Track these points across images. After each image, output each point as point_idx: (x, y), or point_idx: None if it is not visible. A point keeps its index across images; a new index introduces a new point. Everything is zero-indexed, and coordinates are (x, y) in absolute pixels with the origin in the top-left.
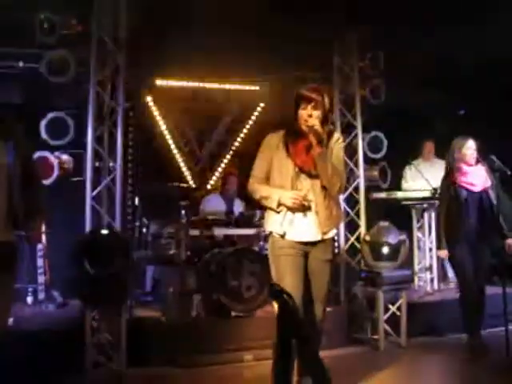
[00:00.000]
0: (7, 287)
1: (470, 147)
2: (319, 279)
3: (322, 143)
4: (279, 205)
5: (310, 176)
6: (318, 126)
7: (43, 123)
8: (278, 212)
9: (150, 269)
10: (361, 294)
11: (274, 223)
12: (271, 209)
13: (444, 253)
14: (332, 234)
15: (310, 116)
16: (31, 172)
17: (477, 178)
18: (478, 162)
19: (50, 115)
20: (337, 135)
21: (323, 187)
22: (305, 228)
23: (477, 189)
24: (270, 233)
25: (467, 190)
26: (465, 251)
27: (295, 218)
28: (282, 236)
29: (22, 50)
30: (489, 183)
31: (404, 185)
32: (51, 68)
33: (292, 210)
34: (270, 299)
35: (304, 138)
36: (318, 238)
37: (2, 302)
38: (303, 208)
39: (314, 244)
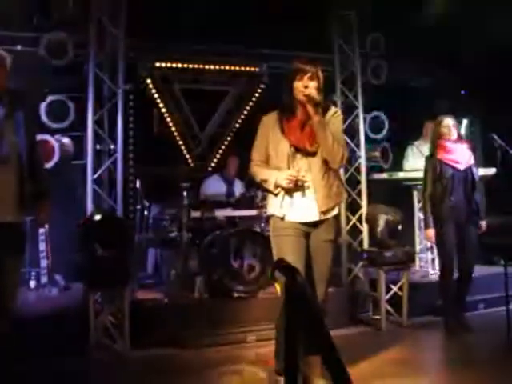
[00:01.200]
0: (18, 269)
1: (446, 125)
2: (321, 259)
3: (319, 112)
4: (276, 187)
5: (307, 154)
6: (315, 94)
7: (43, 106)
8: (276, 194)
9: (151, 251)
10: (363, 275)
11: (273, 206)
12: (270, 191)
13: (431, 232)
14: (334, 213)
15: (307, 87)
16: (36, 152)
17: (461, 155)
18: (460, 139)
19: (50, 98)
20: (334, 109)
21: (323, 162)
22: (304, 208)
23: (461, 167)
24: (272, 215)
25: (452, 167)
26: (451, 231)
27: (294, 199)
28: (282, 218)
29: (19, 34)
30: (472, 161)
31: (405, 165)
32: (50, 51)
33: (289, 191)
34: (273, 278)
35: (298, 114)
36: (318, 218)
37: (12, 283)
38: (299, 188)
39: (315, 224)
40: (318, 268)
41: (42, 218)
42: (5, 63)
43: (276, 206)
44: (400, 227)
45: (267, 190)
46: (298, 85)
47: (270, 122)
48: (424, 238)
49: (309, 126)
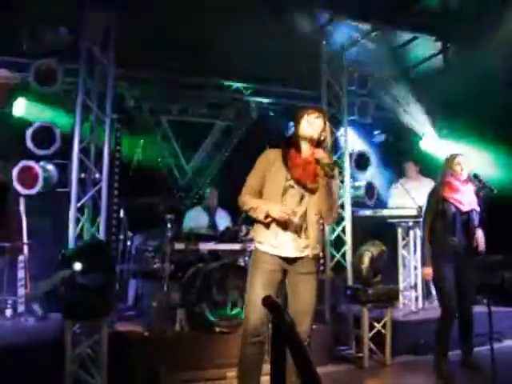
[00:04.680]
0: None
1: (458, 163)
2: (303, 292)
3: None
4: (267, 216)
5: (305, 189)
6: (327, 158)
7: (29, 132)
8: (266, 224)
9: (132, 282)
10: (346, 312)
11: (257, 234)
12: (259, 221)
13: (428, 270)
14: (315, 251)
15: (313, 124)
16: None
17: (466, 196)
18: (469, 180)
19: (37, 124)
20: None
21: (318, 206)
22: (289, 243)
23: (464, 208)
24: (256, 244)
25: (455, 207)
26: (449, 271)
27: (281, 232)
28: (264, 252)
29: (10, 59)
30: (475, 204)
31: (390, 202)
32: (39, 78)
33: (279, 224)
34: None
35: (303, 152)
36: (301, 254)
37: None
38: (289, 224)
39: (294, 260)
40: (301, 302)
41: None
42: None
43: (261, 235)
44: (385, 256)
45: (254, 220)
46: (304, 121)
47: (271, 157)
48: (423, 275)
49: (311, 165)
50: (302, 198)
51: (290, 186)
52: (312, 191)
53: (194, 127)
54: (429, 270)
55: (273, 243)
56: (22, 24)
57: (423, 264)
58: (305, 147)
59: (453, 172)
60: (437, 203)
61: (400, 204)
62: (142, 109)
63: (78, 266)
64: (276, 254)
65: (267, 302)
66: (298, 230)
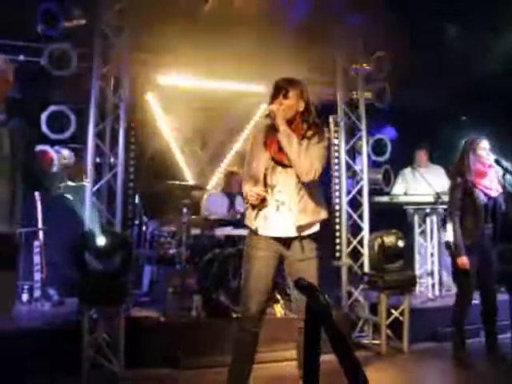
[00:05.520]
0: (12, 282)
1: (484, 147)
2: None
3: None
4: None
5: (284, 166)
6: (274, 108)
7: (44, 116)
8: (253, 207)
9: (147, 268)
10: (363, 298)
11: (248, 218)
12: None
13: (465, 259)
14: (311, 231)
15: (281, 104)
16: (32, 162)
17: (493, 181)
18: (490, 165)
19: (51, 108)
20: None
21: (298, 178)
22: (278, 223)
23: (493, 193)
24: (247, 228)
25: (485, 194)
26: (475, 260)
27: (269, 213)
28: (256, 233)
29: (23, 44)
30: (500, 187)
31: (394, 189)
32: (53, 61)
33: (261, 205)
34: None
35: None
36: (293, 233)
37: (6, 297)
38: (263, 203)
39: (289, 244)
40: None
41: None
42: (6, 76)
43: (249, 218)
44: (402, 245)
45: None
46: (274, 102)
47: (256, 139)
48: (460, 265)
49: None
50: (283, 174)
51: (271, 166)
52: (291, 167)
53: (208, 114)
54: (466, 260)
55: (262, 225)
56: (35, 7)
57: (459, 254)
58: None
59: (478, 157)
60: (464, 193)
61: (406, 190)
62: (158, 93)
63: (101, 241)
64: (268, 235)
65: (299, 283)
66: (286, 208)
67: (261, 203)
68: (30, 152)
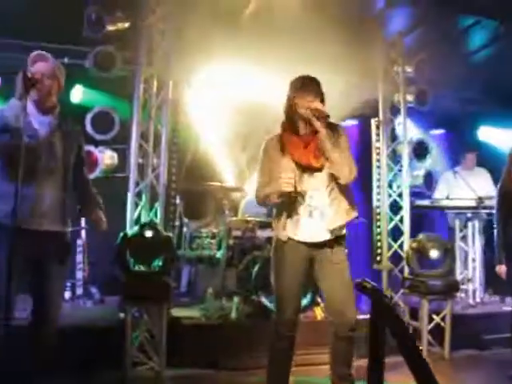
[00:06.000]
0: (62, 278)
1: None
2: (339, 282)
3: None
4: (280, 195)
5: (312, 170)
6: (321, 107)
7: (89, 117)
8: (284, 211)
9: (186, 269)
10: (403, 303)
11: (277, 225)
12: (277, 207)
13: (502, 268)
14: (341, 233)
15: (312, 101)
16: (83, 165)
17: None
18: None
19: (96, 109)
20: (342, 127)
21: (330, 178)
22: (311, 228)
23: None
24: (276, 232)
25: None
26: None
27: (301, 219)
28: (286, 238)
29: (67, 47)
30: None
31: (438, 191)
32: (97, 64)
33: (294, 208)
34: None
35: (300, 132)
36: (327, 237)
37: (56, 293)
38: (301, 203)
39: (321, 247)
40: (339, 292)
41: (98, 225)
42: (59, 80)
43: (280, 224)
44: (443, 249)
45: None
46: (302, 100)
47: (271, 144)
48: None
49: (313, 142)
50: (311, 178)
51: (298, 172)
52: (320, 170)
53: (248, 116)
54: (502, 269)
55: (294, 230)
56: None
57: (499, 262)
58: (303, 126)
59: None
60: (509, 197)
61: (448, 194)
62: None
63: (149, 234)
64: (299, 240)
65: (361, 285)
66: (318, 213)
67: (291, 205)
68: (81, 154)
